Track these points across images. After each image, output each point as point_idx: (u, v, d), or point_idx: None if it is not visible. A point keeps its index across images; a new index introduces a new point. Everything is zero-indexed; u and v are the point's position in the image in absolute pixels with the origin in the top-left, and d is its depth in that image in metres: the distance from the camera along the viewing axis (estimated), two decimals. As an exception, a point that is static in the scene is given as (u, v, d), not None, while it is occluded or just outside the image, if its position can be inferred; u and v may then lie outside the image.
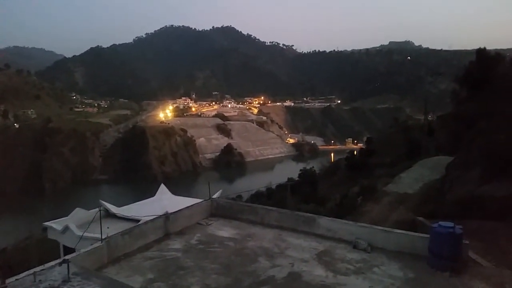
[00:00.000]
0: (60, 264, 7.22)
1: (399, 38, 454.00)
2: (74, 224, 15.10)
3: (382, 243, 10.10)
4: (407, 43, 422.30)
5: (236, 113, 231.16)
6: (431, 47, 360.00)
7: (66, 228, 15.30)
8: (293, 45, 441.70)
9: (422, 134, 48.19)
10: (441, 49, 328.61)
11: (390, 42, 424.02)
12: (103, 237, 9.71)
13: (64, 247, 15.64)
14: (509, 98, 21.17)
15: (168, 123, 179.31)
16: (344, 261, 9.43)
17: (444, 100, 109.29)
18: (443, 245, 8.72)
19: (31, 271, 7.00)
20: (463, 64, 44.20)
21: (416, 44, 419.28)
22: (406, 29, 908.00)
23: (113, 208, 17.27)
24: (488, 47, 40.13)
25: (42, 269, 7.17)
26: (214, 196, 15.70)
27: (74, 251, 11.89)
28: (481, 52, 37.46)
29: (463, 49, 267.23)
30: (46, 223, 16.96)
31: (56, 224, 16.28)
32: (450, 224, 8.84)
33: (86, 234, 13.21)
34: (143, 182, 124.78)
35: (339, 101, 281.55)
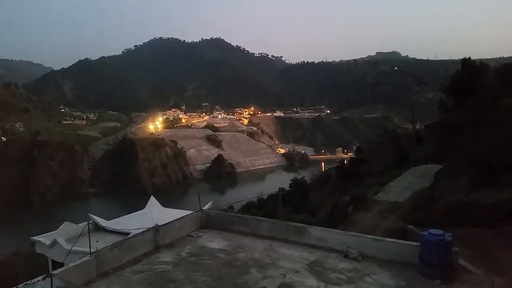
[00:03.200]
0: (43, 278, 7.10)
1: (386, 49, 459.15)
2: (62, 238, 14.87)
3: (372, 252, 10.12)
4: (394, 54, 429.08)
5: (226, 124, 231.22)
6: (418, 57, 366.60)
7: (54, 242, 15.06)
8: (281, 56, 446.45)
9: (410, 143, 48.63)
10: (428, 59, 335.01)
11: (377, 53, 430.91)
12: (92, 251, 9.59)
13: (53, 261, 15.40)
14: (494, 106, 21.52)
15: (158, 135, 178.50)
16: (335, 271, 9.41)
17: (431, 109, 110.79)
18: (433, 252, 8.77)
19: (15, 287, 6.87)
20: (449, 74, 44.93)
21: (403, 54, 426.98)
22: (393, 40, 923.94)
23: (102, 222, 17.07)
24: (473, 57, 41.05)
25: (25, 284, 7.04)
26: (205, 208, 15.62)
27: (63, 266, 11.70)
28: (466, 62, 38.23)
29: (449, 59, 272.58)
30: (34, 238, 16.69)
31: (44, 238, 16.03)
32: (440, 231, 8.90)
33: (75, 248, 13.02)
34: (133, 194, 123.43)
35: (328, 111, 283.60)
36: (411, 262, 9.34)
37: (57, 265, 14.07)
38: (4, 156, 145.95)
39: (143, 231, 11.09)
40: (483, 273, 9.19)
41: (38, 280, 7.15)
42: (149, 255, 10.46)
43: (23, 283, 7.09)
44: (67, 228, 16.00)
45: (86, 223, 16.90)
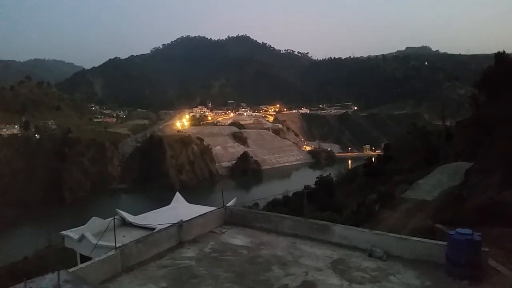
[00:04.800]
0: (52, 272, 7.32)
1: (416, 43, 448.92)
2: (90, 233, 15.24)
3: (398, 251, 9.90)
4: (424, 48, 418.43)
5: (252, 121, 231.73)
6: (449, 52, 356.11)
7: (82, 237, 15.45)
8: (308, 53, 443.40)
9: (440, 140, 47.27)
10: (459, 54, 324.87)
11: (406, 48, 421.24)
12: (118, 246, 9.80)
13: (81, 255, 15.79)
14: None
15: (185, 132, 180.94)
16: (359, 270, 9.26)
17: (462, 105, 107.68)
18: (461, 252, 8.49)
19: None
20: (482, 69, 43.33)
21: (433, 49, 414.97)
22: (422, 34, 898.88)
23: (128, 217, 17.40)
24: (507, 51, 39.43)
25: (35, 277, 7.29)
26: (229, 204, 15.68)
27: (91, 260, 12.00)
28: (500, 56, 36.76)
29: (481, 53, 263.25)
30: (63, 232, 17.17)
31: (73, 233, 16.47)
32: (468, 231, 8.61)
33: (102, 242, 13.32)
34: (161, 190, 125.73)
35: (355, 108, 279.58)
36: (437, 261, 9.08)
37: (85, 259, 14.41)
38: (38, 153, 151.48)
39: (167, 227, 11.24)
40: (514, 274, 8.83)
41: (47, 273, 7.38)
42: (173, 250, 10.60)
43: (38, 277, 7.33)
44: (95, 223, 16.37)
45: (111, 218, 17.35)
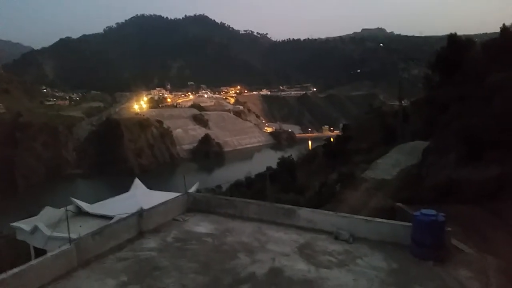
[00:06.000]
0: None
1: (372, 25, 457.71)
2: (43, 224, 14.35)
3: (363, 233, 9.90)
4: (380, 30, 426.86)
5: (212, 103, 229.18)
6: (403, 33, 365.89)
7: (35, 229, 14.54)
8: (267, 33, 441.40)
9: (397, 120, 48.64)
10: (413, 35, 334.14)
11: (362, 30, 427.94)
12: (74, 238, 9.17)
13: (35, 248, 14.90)
14: (481, 82, 21.33)
15: (143, 115, 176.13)
16: (326, 254, 9.17)
17: (417, 85, 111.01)
18: (426, 233, 8.57)
19: None
20: (435, 50, 44.52)
21: (388, 31, 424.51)
22: (378, 16, 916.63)
23: (85, 206, 16.56)
24: (458, 33, 40.61)
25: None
26: (191, 190, 15.23)
27: (46, 252, 11.24)
28: (452, 38, 37.80)
29: (433, 35, 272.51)
30: (14, 224, 16.12)
31: (25, 225, 15.47)
32: (432, 211, 8.67)
33: (56, 234, 12.60)
34: (120, 175, 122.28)
35: (314, 89, 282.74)
36: (403, 243, 9.14)
37: (39, 252, 13.63)
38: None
39: (126, 216, 10.65)
40: (476, 253, 9.06)
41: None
42: (133, 241, 10.07)
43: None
44: (48, 213, 15.44)
45: (68, 207, 16.46)
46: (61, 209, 15.32)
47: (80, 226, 14.20)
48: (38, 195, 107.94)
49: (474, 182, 16.39)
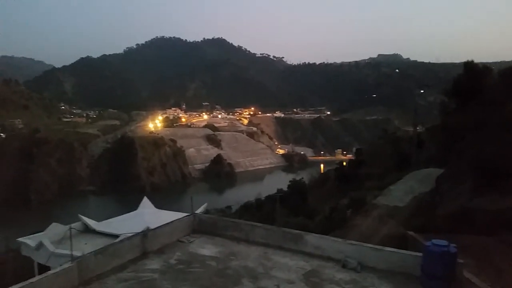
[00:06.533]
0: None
1: (388, 51, 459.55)
2: (48, 240, 14.28)
3: (372, 261, 9.58)
4: (395, 56, 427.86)
5: (226, 124, 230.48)
6: (419, 59, 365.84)
7: (40, 245, 14.47)
8: (283, 57, 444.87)
9: (411, 146, 47.97)
10: (429, 62, 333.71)
11: (378, 55, 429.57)
12: (78, 255, 9.07)
13: (39, 264, 14.81)
14: (498, 110, 20.95)
15: (158, 134, 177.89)
16: (332, 282, 8.86)
17: (432, 112, 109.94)
18: (437, 264, 8.23)
19: None
20: (451, 76, 44.26)
21: (404, 57, 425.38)
22: (394, 42, 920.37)
23: (92, 223, 16.50)
24: (475, 60, 40.38)
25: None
26: (199, 210, 15.10)
27: (49, 269, 11.13)
28: (469, 65, 37.55)
29: (450, 61, 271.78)
30: (20, 239, 16.10)
31: (30, 240, 15.45)
32: (444, 242, 8.35)
33: (61, 251, 12.53)
34: (131, 193, 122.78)
35: (328, 113, 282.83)
36: (412, 273, 8.81)
37: (43, 268, 13.53)
38: (3, 153, 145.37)
39: (131, 236, 10.53)
40: (489, 287, 8.64)
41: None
42: (136, 262, 9.91)
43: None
44: (55, 230, 15.40)
45: (75, 223, 16.41)
46: (67, 226, 15.27)
47: (85, 244, 14.13)
48: (50, 211, 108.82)
49: (489, 212, 15.86)
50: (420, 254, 8.86)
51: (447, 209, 18.20)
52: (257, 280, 8.94)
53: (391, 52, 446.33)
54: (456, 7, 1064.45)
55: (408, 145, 51.07)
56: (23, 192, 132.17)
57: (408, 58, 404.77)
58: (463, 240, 13.40)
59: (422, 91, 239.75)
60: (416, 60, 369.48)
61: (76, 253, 9.45)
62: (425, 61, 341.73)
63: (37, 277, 8.33)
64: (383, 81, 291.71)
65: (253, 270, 9.51)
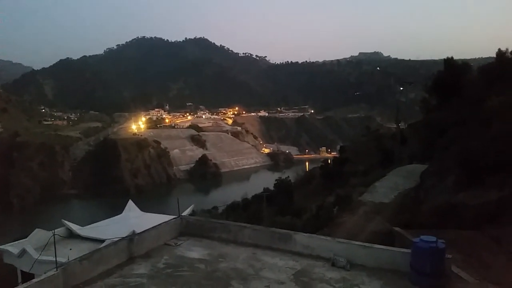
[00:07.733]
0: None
1: (369, 49, 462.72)
2: (31, 247, 13.92)
3: (361, 259, 9.59)
4: (376, 54, 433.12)
5: (210, 124, 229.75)
6: (399, 57, 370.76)
7: (23, 252, 14.11)
8: (266, 56, 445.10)
9: (394, 142, 48.60)
10: (409, 59, 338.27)
11: (359, 53, 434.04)
12: (63, 262, 8.85)
13: (23, 272, 14.44)
14: (479, 105, 21.33)
15: (141, 135, 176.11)
16: (322, 281, 8.84)
17: (413, 108, 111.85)
18: (425, 261, 8.27)
19: None
20: (431, 73, 44.95)
21: (385, 54, 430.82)
22: (375, 40, 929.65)
23: (76, 228, 16.17)
24: (454, 57, 41.07)
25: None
26: (185, 212, 14.91)
27: (33, 277, 10.83)
28: (449, 62, 38.21)
29: (430, 59, 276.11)
30: (1, 247, 15.64)
31: (12, 247, 15.05)
32: (433, 238, 8.41)
33: (45, 257, 12.19)
34: (115, 195, 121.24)
35: (312, 111, 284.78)
36: (402, 270, 8.84)
37: (27, 276, 13.18)
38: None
39: (116, 241, 10.32)
40: (477, 282, 8.75)
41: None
42: (123, 267, 9.69)
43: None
44: (38, 235, 15.01)
45: (59, 229, 16.05)
46: (51, 231, 14.91)
47: (70, 249, 13.84)
48: (32, 216, 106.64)
49: (473, 207, 16.10)
50: (408, 250, 8.90)
51: (432, 205, 18.45)
52: (246, 282, 8.86)
53: (372, 50, 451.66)
54: (436, 5, 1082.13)
55: (391, 141, 51.81)
56: (4, 197, 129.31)
57: (389, 56, 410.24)
58: (449, 234, 13.54)
59: (401, 88, 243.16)
60: (396, 58, 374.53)
61: (61, 260, 9.22)
62: (406, 58, 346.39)
63: (21, 286, 8.07)
64: (365, 79, 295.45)
65: (243, 271, 9.42)
